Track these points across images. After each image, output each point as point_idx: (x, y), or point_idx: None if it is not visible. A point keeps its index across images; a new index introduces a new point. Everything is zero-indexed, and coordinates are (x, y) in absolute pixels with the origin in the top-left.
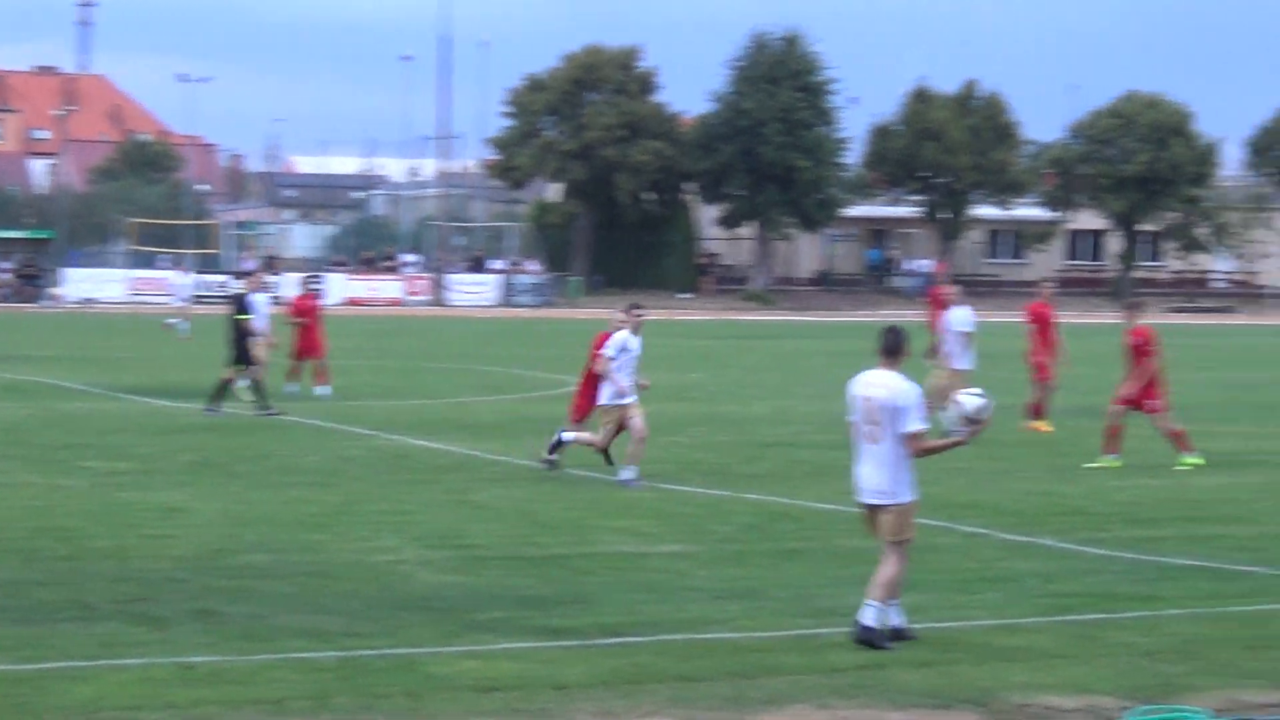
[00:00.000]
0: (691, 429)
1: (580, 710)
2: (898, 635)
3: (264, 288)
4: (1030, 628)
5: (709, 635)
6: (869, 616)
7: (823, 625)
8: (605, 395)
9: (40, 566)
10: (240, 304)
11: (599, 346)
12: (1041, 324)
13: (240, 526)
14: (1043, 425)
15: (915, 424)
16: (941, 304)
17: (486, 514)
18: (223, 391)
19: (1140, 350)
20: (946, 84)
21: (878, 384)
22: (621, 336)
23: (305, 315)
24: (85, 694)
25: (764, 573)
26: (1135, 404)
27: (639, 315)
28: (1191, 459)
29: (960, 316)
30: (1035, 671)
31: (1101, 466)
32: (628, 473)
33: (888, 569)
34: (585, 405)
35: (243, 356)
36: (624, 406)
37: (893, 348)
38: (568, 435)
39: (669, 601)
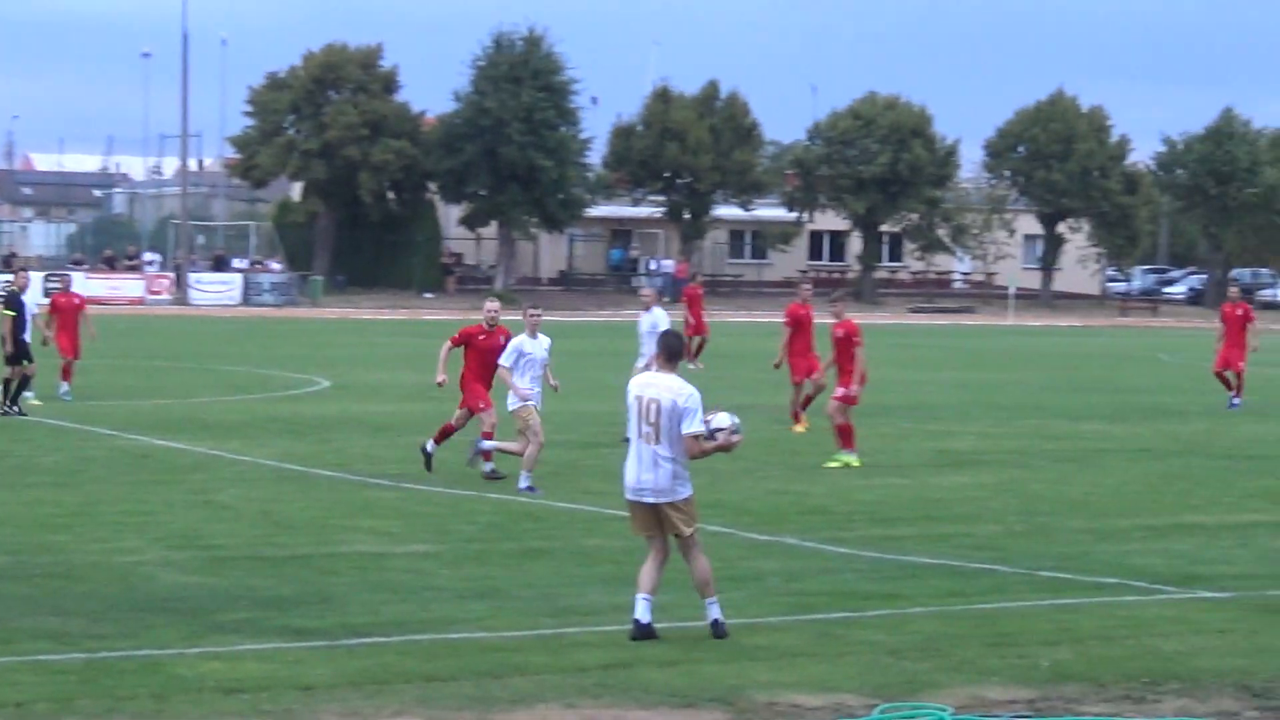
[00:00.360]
0: (434, 428)
1: (326, 711)
2: (645, 633)
3: (28, 286)
4: (775, 626)
5: (454, 635)
6: (717, 611)
7: (567, 624)
8: (510, 401)
9: None
10: (9, 302)
11: (460, 342)
12: (800, 325)
13: None
14: (799, 426)
15: (697, 426)
16: (697, 303)
17: (229, 514)
18: (17, 389)
19: (849, 343)
20: (688, 85)
21: (660, 386)
22: (518, 340)
23: (66, 313)
24: None
25: (508, 572)
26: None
27: (535, 316)
28: (847, 457)
29: (659, 316)
30: (780, 670)
31: (843, 465)
32: (524, 479)
33: (701, 563)
34: (479, 400)
35: (23, 354)
36: (525, 409)
37: (674, 351)
38: (488, 444)
39: (414, 601)
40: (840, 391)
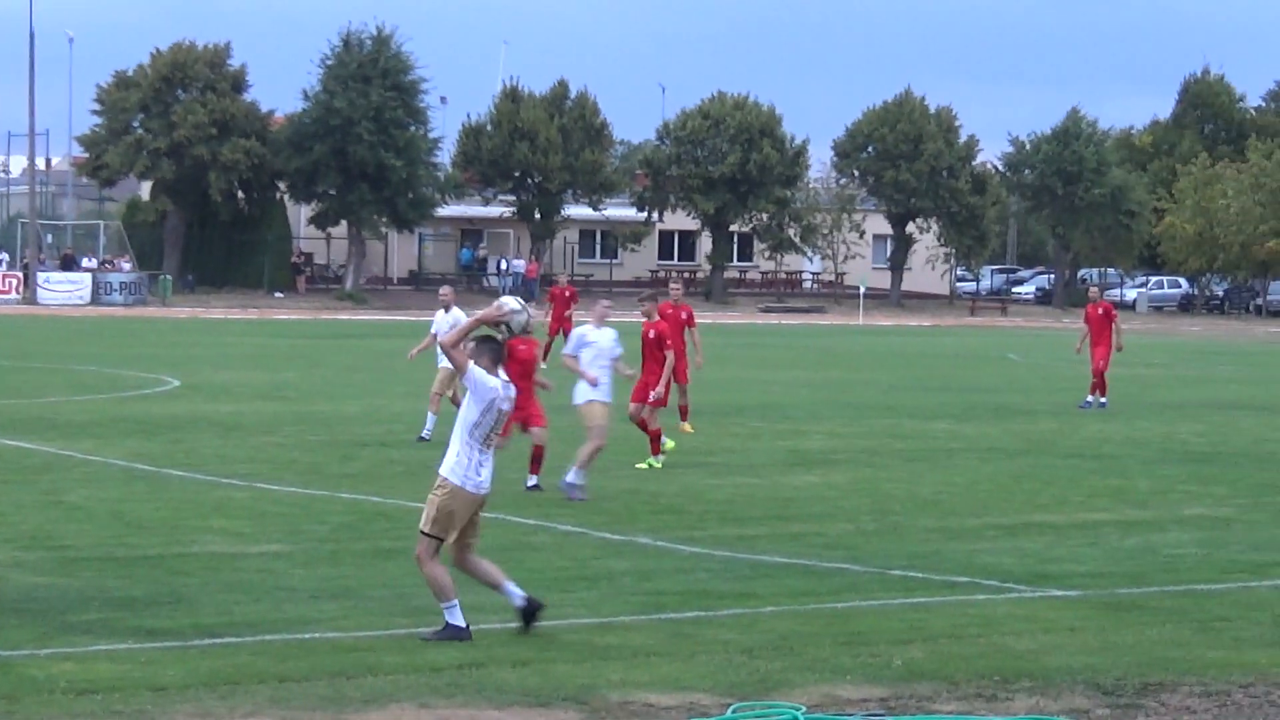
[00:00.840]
0: (285, 428)
1: (179, 712)
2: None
3: None
4: (628, 626)
5: (307, 635)
6: (518, 589)
7: (420, 624)
8: (577, 394)
9: None
10: None
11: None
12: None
13: None
14: (688, 426)
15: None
16: (564, 302)
17: (79, 514)
18: None
19: (659, 345)
20: (537, 84)
21: (510, 396)
22: (581, 330)
23: None
24: None
25: (360, 572)
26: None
27: (606, 307)
28: (652, 460)
29: (458, 315)
30: (633, 669)
31: (661, 459)
32: (573, 475)
33: (485, 560)
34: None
35: None
36: (592, 406)
37: (500, 356)
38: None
39: (266, 601)
40: (652, 395)
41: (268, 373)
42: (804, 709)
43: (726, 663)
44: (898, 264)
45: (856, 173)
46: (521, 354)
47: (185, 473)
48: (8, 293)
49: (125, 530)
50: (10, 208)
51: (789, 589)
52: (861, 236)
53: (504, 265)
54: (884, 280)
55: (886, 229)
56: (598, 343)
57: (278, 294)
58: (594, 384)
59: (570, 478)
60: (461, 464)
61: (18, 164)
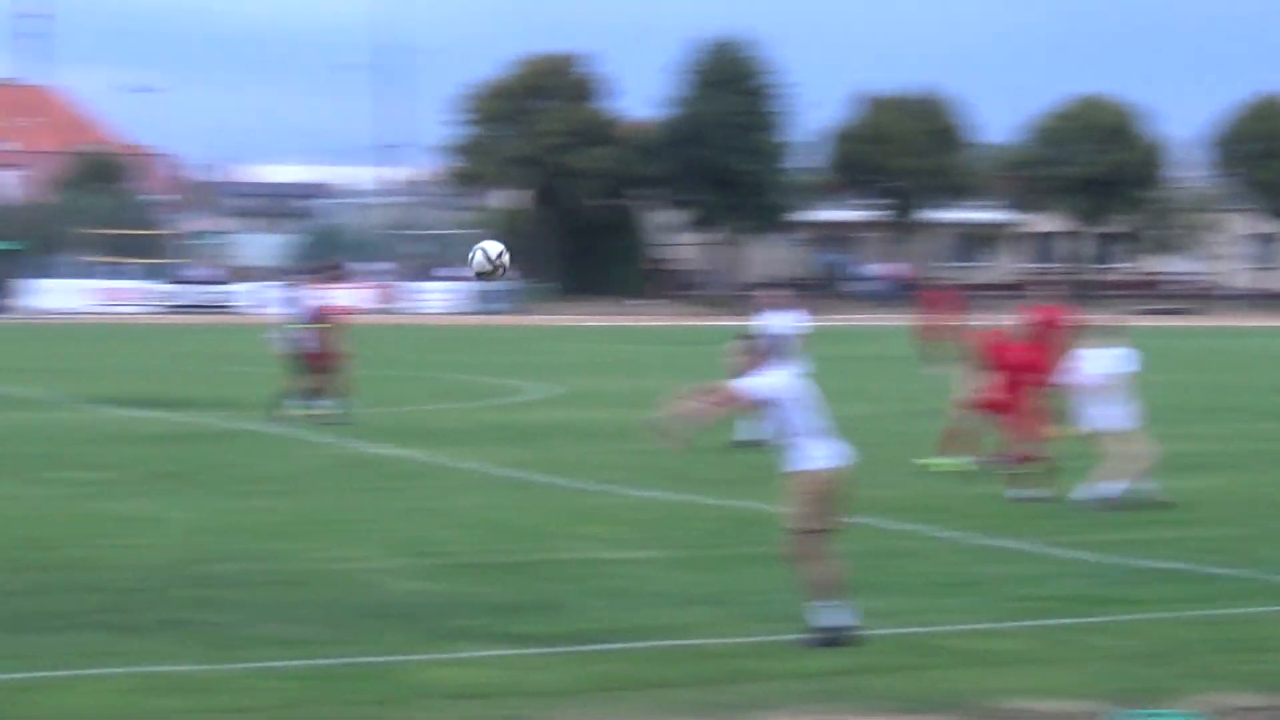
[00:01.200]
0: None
1: (560, 717)
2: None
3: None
4: (1005, 632)
5: (681, 641)
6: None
7: (792, 630)
8: (1097, 419)
9: (13, 576)
10: (315, 314)
11: (995, 358)
12: (1051, 329)
13: (207, 536)
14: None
15: None
16: (938, 306)
17: (451, 521)
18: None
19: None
20: (894, 86)
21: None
22: (1089, 353)
23: (328, 321)
24: (55, 704)
25: (731, 577)
26: (993, 406)
27: (1121, 325)
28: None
29: (792, 319)
30: (1013, 676)
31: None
32: (1104, 487)
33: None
34: (1011, 404)
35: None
36: (1119, 432)
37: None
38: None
39: (639, 607)
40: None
41: (632, 379)
42: (1203, 715)
43: (1109, 669)
44: (1276, 264)
45: (1234, 171)
46: (1014, 360)
47: (552, 479)
48: (380, 301)
49: (495, 536)
50: (380, 218)
51: (1171, 594)
52: (1237, 235)
53: (866, 270)
54: (1261, 280)
55: (1264, 228)
56: (1104, 363)
57: (641, 300)
58: (1106, 407)
59: (1094, 491)
60: (803, 453)
61: (387, 175)
